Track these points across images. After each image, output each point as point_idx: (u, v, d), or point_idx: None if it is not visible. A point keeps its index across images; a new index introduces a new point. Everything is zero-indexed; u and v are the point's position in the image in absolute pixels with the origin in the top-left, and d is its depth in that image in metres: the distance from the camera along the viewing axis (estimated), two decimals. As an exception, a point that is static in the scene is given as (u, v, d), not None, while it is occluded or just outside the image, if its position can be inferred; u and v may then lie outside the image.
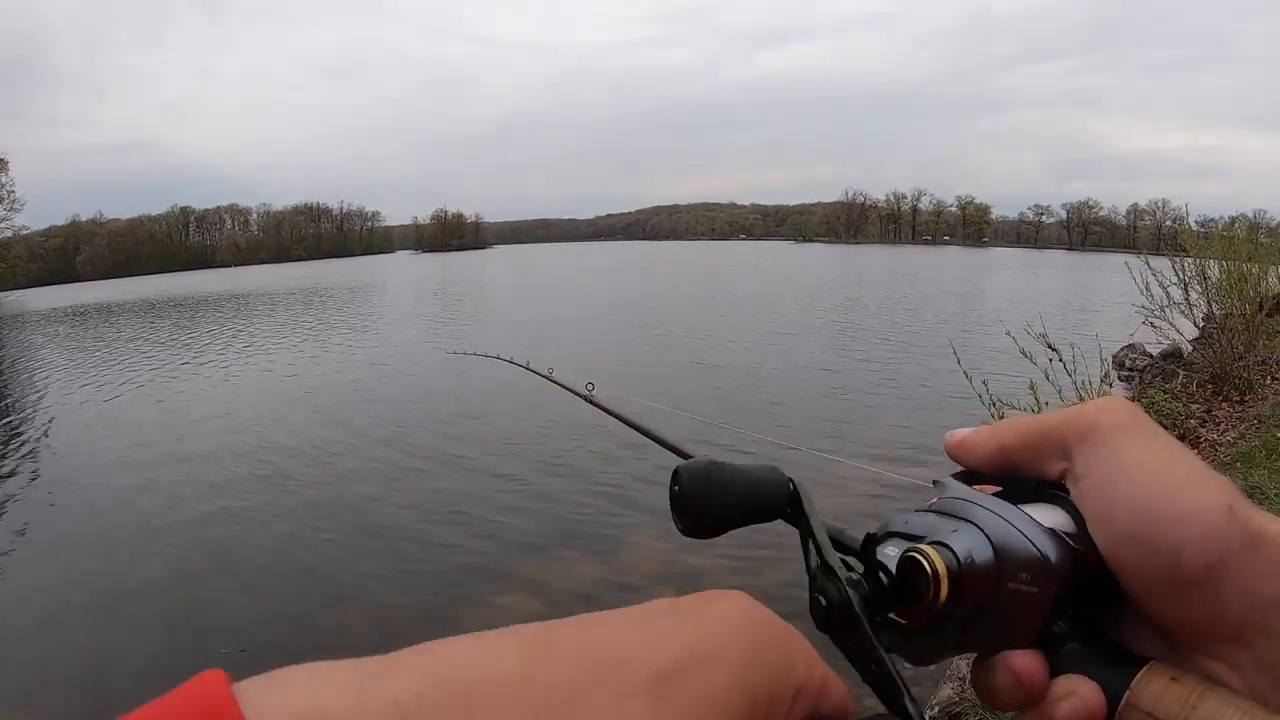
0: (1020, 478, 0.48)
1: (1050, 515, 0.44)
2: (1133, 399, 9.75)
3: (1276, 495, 5.45)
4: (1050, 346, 6.43)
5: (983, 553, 0.42)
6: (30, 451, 12.88)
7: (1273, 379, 10.07)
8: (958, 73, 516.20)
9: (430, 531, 7.96)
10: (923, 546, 0.42)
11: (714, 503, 0.47)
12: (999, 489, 0.48)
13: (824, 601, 0.45)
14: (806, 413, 12.41)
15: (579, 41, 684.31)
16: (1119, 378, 12.11)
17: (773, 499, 0.49)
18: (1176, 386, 10.07)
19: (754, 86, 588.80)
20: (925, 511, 0.46)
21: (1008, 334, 6.86)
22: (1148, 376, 12.03)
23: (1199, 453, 7.56)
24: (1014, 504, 0.44)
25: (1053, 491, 0.46)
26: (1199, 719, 0.37)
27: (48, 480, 11.01)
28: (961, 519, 0.44)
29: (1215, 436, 8.00)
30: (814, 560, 0.46)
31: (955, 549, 0.42)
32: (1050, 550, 0.42)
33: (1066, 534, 0.43)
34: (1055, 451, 0.46)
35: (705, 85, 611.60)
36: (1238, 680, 0.39)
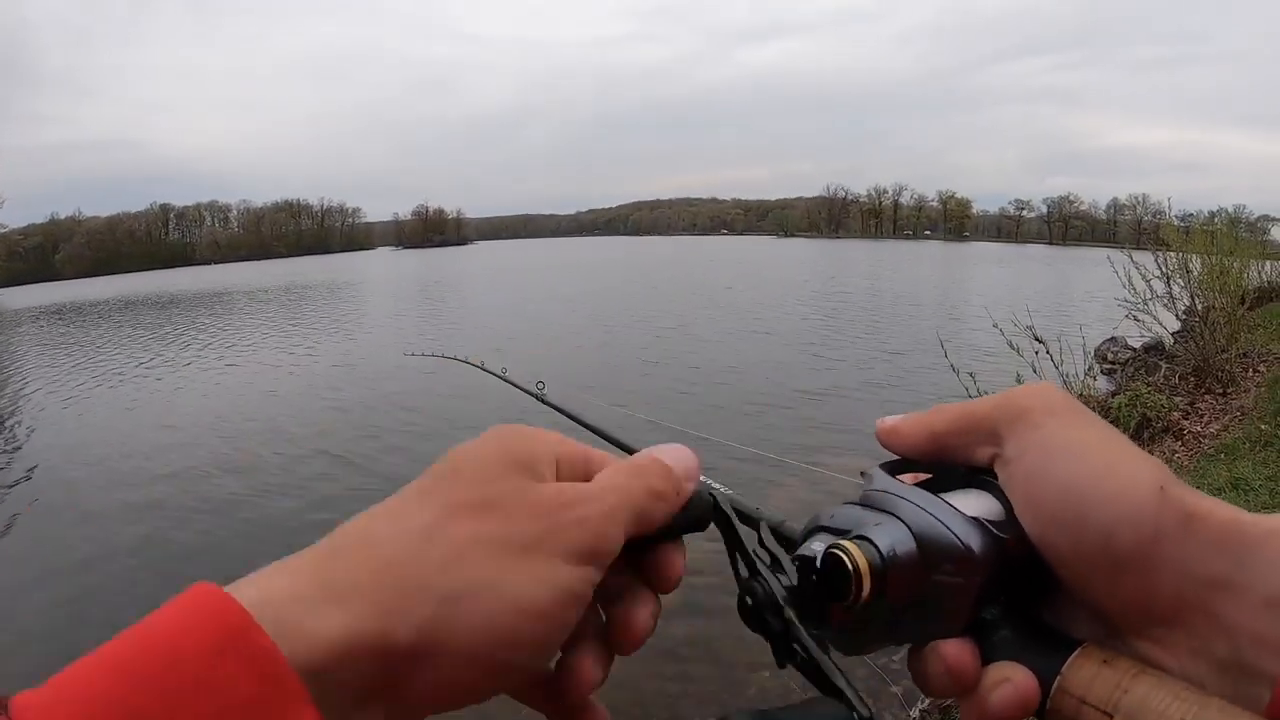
0: (950, 464, 0.48)
1: (977, 503, 0.44)
2: (1116, 392, 9.80)
3: (1261, 486, 5.47)
4: (1037, 339, 6.44)
5: (905, 546, 0.42)
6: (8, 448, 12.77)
7: (1254, 371, 10.15)
8: (940, 69, 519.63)
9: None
10: (844, 543, 0.42)
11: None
12: (929, 476, 0.48)
13: (749, 601, 0.45)
14: (762, 409, 12.21)
15: (562, 39, 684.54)
16: (1101, 371, 12.15)
17: (699, 512, 0.48)
18: (1159, 379, 10.13)
19: (736, 83, 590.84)
20: (852, 504, 0.46)
21: (995, 326, 6.87)
22: (1130, 369, 12.07)
23: (1182, 444, 7.60)
24: (939, 493, 0.44)
25: (981, 478, 0.46)
26: (1130, 702, 0.37)
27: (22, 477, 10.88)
28: (885, 512, 0.44)
29: (1198, 429, 8.03)
30: (740, 563, 0.47)
31: (878, 543, 0.42)
32: (974, 540, 0.42)
33: (993, 521, 0.43)
34: (985, 437, 0.46)
35: (687, 81, 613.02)
36: (1173, 662, 0.39)
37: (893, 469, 0.48)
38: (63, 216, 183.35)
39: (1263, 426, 7.12)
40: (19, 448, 12.79)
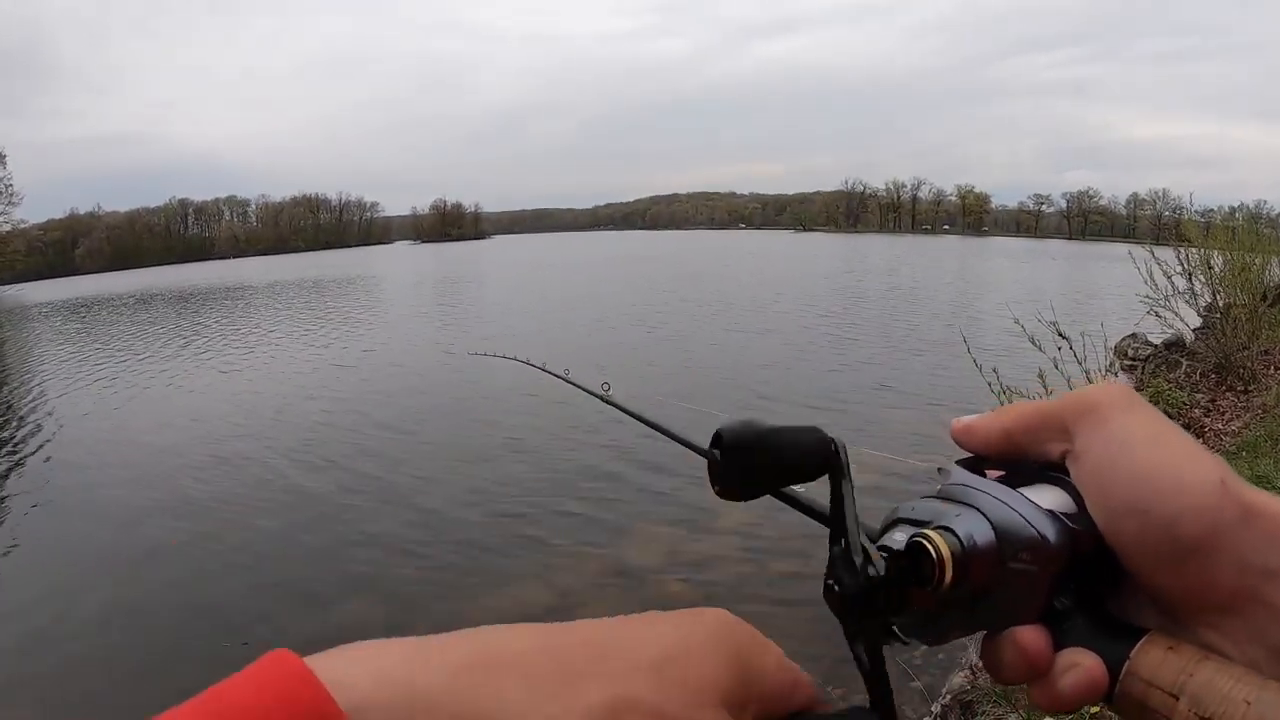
0: (1023, 461, 0.50)
1: (1050, 496, 0.46)
2: (1136, 388, 9.73)
3: (1283, 483, 5.47)
4: (1060, 334, 6.44)
5: (984, 535, 0.44)
6: (33, 446, 12.82)
7: (1275, 369, 10.09)
8: (957, 63, 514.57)
9: (444, 521, 8.00)
10: (927, 531, 0.44)
11: (757, 463, 0.47)
12: (1002, 473, 0.50)
13: (837, 588, 0.45)
14: (825, 400, 12.41)
15: (578, 32, 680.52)
16: (1121, 367, 12.09)
17: (816, 458, 0.48)
18: (1180, 376, 10.10)
19: (752, 76, 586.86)
20: (930, 498, 0.48)
21: (1016, 321, 6.87)
22: (1151, 366, 12.02)
23: (1204, 442, 7.59)
24: (1014, 487, 0.47)
25: (1054, 474, 0.48)
26: (1195, 685, 0.40)
27: (46, 473, 11.07)
28: (963, 504, 0.46)
29: (1220, 426, 8.02)
30: (838, 546, 0.46)
31: (958, 532, 0.44)
32: (1048, 530, 0.44)
33: (1065, 514, 0.45)
34: (1056, 433, 0.48)
35: (704, 75, 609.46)
36: (1233, 649, 0.41)
37: (969, 466, 0.50)
38: (82, 212, 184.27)
39: (1284, 424, 7.11)
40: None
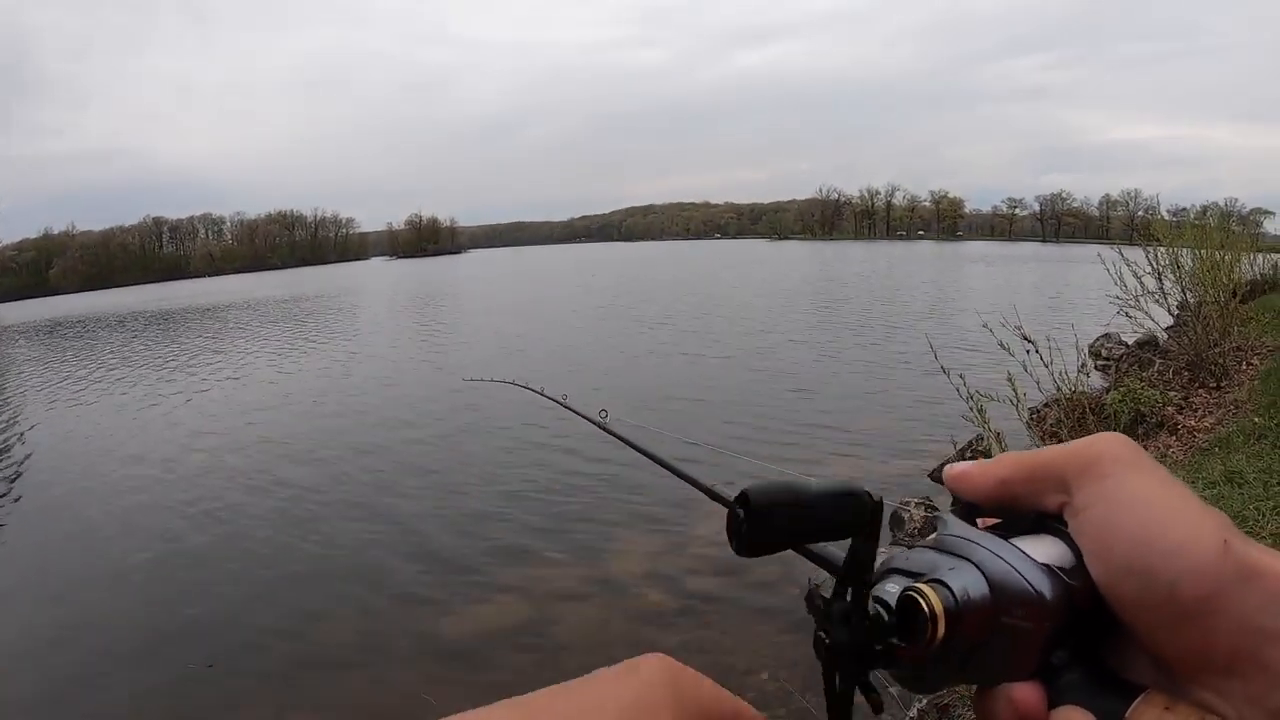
0: (1019, 511, 0.49)
1: (1048, 549, 0.45)
2: (1110, 388, 9.81)
3: (1255, 479, 5.45)
4: (1026, 338, 6.43)
5: (979, 590, 0.43)
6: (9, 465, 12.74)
7: (1247, 364, 10.15)
8: (932, 69, 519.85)
9: (423, 543, 7.94)
10: (920, 585, 0.43)
11: (784, 525, 0.44)
12: (999, 520, 0.49)
13: (828, 640, 0.44)
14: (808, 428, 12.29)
15: (558, 42, 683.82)
16: (1095, 367, 12.17)
17: (847, 518, 0.45)
18: (1153, 374, 10.15)
19: (728, 86, 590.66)
20: (925, 547, 0.47)
21: (984, 326, 6.87)
22: (1124, 365, 12.11)
23: (1177, 439, 7.61)
24: (1011, 539, 0.45)
25: (1052, 523, 0.47)
26: None
27: (22, 492, 10.94)
28: (959, 556, 0.45)
29: (1193, 423, 8.04)
30: (841, 600, 0.45)
31: (952, 587, 0.43)
32: (1044, 587, 0.43)
33: (1063, 568, 0.44)
34: (1054, 485, 0.47)
35: (680, 85, 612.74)
36: (1230, 711, 0.40)
37: (964, 513, 0.50)
38: (57, 231, 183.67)
39: (1256, 419, 7.11)
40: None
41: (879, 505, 0.45)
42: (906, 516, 6.68)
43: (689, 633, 5.84)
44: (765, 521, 0.43)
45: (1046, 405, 8.03)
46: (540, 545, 7.62)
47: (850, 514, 0.45)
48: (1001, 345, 6.34)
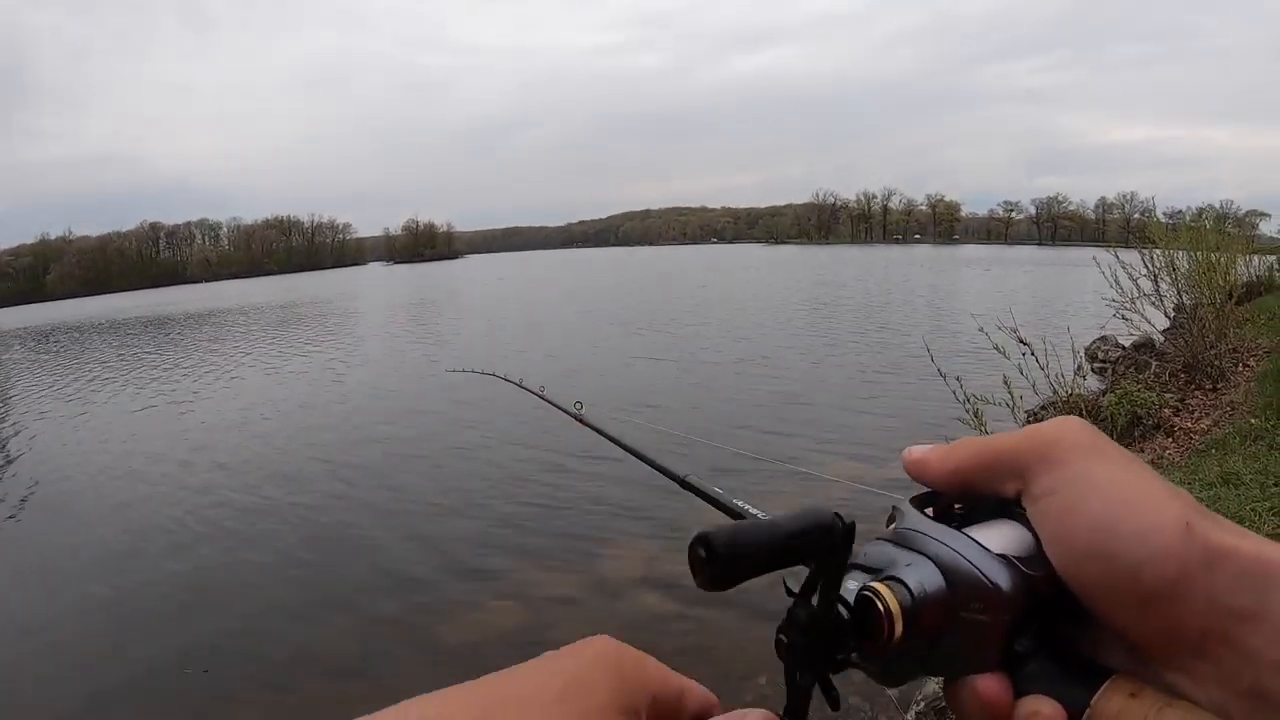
0: (978, 497, 0.48)
1: (1006, 536, 0.45)
2: (1106, 390, 9.81)
3: (1252, 480, 5.45)
4: (1022, 341, 6.44)
5: (935, 585, 0.43)
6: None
7: (1244, 366, 10.16)
8: (928, 72, 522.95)
9: (416, 539, 7.93)
10: (876, 585, 0.43)
11: (748, 562, 0.43)
12: (958, 506, 0.49)
13: (786, 641, 0.44)
14: (790, 421, 12.31)
15: (556, 45, 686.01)
16: (1092, 370, 12.18)
17: (813, 544, 0.44)
18: (1149, 376, 10.14)
19: (724, 90, 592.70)
20: (884, 541, 0.47)
21: (980, 330, 6.87)
22: (1120, 368, 12.10)
23: (1174, 441, 7.60)
24: (971, 523, 0.46)
25: (1012, 508, 0.46)
26: None
27: (20, 495, 10.90)
28: (915, 551, 0.45)
29: (1190, 424, 8.03)
30: (802, 608, 0.44)
31: (909, 583, 0.43)
32: (1002, 579, 0.43)
33: (1022, 557, 0.44)
34: (1010, 472, 0.46)
35: (676, 90, 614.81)
36: (1199, 692, 0.40)
37: (922, 501, 0.50)
38: (53, 236, 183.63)
39: (1253, 421, 7.12)
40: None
41: (850, 528, 0.45)
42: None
43: (687, 637, 5.81)
44: (729, 565, 0.43)
45: (1043, 408, 8.04)
46: (540, 546, 7.61)
47: (819, 540, 0.44)
48: (997, 349, 6.35)
